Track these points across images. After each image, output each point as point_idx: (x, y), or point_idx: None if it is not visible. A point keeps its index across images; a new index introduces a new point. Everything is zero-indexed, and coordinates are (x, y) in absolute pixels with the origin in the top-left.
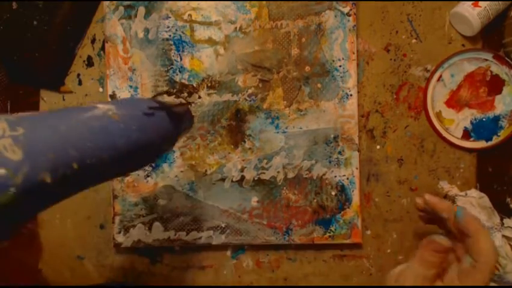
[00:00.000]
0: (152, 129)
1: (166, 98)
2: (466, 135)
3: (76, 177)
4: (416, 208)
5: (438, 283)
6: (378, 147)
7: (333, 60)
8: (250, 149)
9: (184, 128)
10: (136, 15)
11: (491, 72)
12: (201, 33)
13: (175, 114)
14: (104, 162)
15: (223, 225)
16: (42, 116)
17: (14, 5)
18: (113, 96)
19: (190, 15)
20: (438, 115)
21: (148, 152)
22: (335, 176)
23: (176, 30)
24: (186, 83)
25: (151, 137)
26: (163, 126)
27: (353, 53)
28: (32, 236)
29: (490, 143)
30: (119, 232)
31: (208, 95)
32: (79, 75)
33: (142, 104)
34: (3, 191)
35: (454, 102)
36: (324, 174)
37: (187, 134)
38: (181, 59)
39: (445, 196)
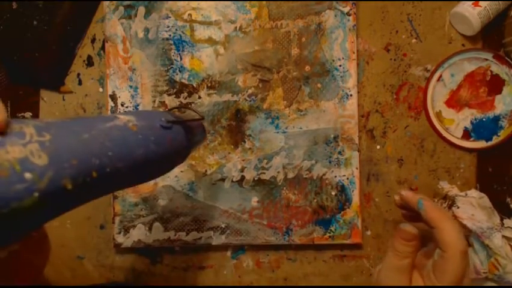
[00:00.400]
0: (168, 142)
1: (166, 98)
2: (466, 135)
3: (94, 184)
4: (396, 206)
5: (415, 274)
6: (378, 147)
7: (333, 60)
8: (250, 149)
9: (196, 142)
10: (136, 15)
11: (491, 72)
12: (201, 33)
13: (190, 129)
14: (121, 172)
15: (223, 226)
16: (67, 122)
17: (14, 5)
18: (113, 96)
19: (190, 15)
20: (438, 115)
21: (162, 163)
22: (335, 176)
23: (176, 30)
24: (186, 82)
25: (167, 149)
26: (178, 140)
27: (353, 53)
28: (42, 237)
29: (490, 143)
30: (119, 232)
31: (208, 95)
32: (78, 75)
33: (160, 116)
34: (28, 195)
35: (454, 102)
36: (324, 174)
37: (199, 147)
38: (181, 59)
39: (445, 196)
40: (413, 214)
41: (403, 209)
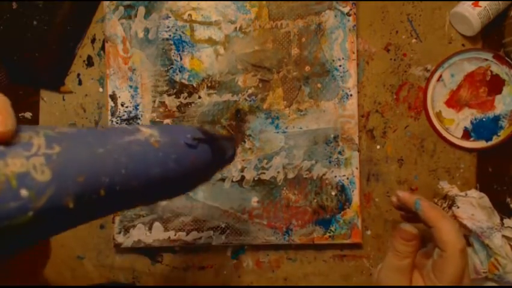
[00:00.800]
0: (190, 161)
1: (166, 98)
2: (466, 135)
3: (99, 203)
4: (394, 207)
5: (415, 274)
6: (378, 147)
7: (333, 60)
8: (250, 149)
9: (224, 162)
10: (136, 15)
11: (491, 72)
12: (201, 33)
13: (220, 148)
14: (132, 191)
15: (223, 226)
16: (83, 133)
17: (14, 5)
18: (113, 96)
19: (190, 15)
20: (438, 115)
21: (180, 184)
22: (335, 176)
23: (176, 30)
24: (186, 83)
25: (188, 169)
26: (202, 160)
27: (353, 53)
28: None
29: (490, 143)
30: (119, 232)
31: (208, 95)
32: (79, 75)
33: (186, 132)
34: (21, 213)
35: (454, 102)
36: (324, 174)
37: (226, 167)
38: (181, 59)
39: (445, 196)
40: (410, 215)
41: (400, 210)
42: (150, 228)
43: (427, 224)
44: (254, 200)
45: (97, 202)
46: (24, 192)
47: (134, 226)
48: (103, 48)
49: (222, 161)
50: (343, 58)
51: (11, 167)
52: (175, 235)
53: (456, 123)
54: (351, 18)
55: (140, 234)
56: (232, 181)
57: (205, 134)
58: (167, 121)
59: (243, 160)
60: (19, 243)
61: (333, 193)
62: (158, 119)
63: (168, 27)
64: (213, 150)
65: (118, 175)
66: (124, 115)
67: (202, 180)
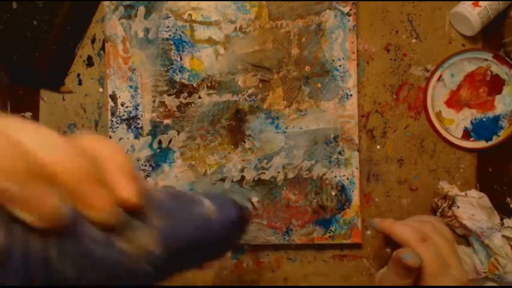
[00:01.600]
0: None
1: (166, 98)
2: (466, 135)
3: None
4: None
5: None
6: (378, 147)
7: (333, 60)
8: (250, 149)
9: (238, 239)
10: (136, 15)
11: (491, 72)
12: (201, 33)
13: (243, 224)
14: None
15: None
16: (175, 203)
17: (14, 5)
18: (113, 96)
19: (190, 15)
20: (438, 115)
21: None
22: (335, 176)
23: (176, 30)
24: (186, 83)
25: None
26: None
27: (353, 53)
28: None
29: (490, 143)
30: None
31: (208, 95)
32: (79, 75)
33: (231, 210)
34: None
35: (454, 102)
36: (324, 174)
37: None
38: (181, 59)
39: (445, 196)
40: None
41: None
42: None
43: (385, 234)
44: (254, 200)
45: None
46: (147, 268)
47: None
48: (103, 48)
49: (237, 237)
50: (343, 58)
51: (143, 242)
52: None
53: (456, 123)
54: (351, 18)
55: None
56: (232, 181)
57: (242, 213)
58: (167, 121)
59: (243, 160)
60: None
61: (333, 193)
62: (158, 119)
63: (168, 27)
64: (235, 225)
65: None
66: (124, 115)
67: (223, 251)
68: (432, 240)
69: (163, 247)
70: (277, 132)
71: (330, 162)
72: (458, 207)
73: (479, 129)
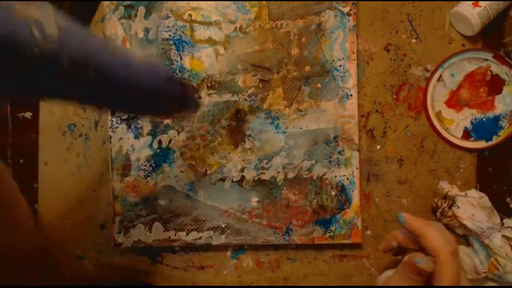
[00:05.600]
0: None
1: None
2: (466, 135)
3: (88, 82)
4: (382, 251)
5: None
6: (378, 147)
7: (333, 60)
8: (250, 149)
9: (187, 107)
10: (136, 15)
11: (491, 72)
12: (201, 33)
13: (188, 94)
14: (116, 83)
15: (223, 226)
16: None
17: None
18: None
19: (190, 15)
20: (438, 115)
21: (152, 98)
22: (335, 176)
23: (176, 30)
24: None
25: (160, 89)
26: (173, 93)
27: (353, 53)
28: (35, 253)
29: (490, 143)
30: (120, 232)
31: (208, 95)
32: None
33: (161, 69)
34: (30, 46)
35: (454, 102)
36: (324, 174)
37: (188, 115)
38: (181, 59)
39: (445, 196)
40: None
41: (389, 251)
42: (150, 228)
43: (414, 234)
44: (254, 200)
45: (87, 80)
46: (36, 33)
47: (134, 226)
48: None
49: (185, 104)
50: (343, 58)
51: (32, 13)
52: (175, 235)
53: (456, 123)
54: (351, 18)
55: (140, 234)
56: (232, 181)
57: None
58: (167, 121)
59: (243, 160)
60: (25, 82)
61: (333, 193)
62: (158, 119)
63: (168, 27)
64: (184, 91)
65: (109, 66)
66: (123, 115)
67: (168, 108)
68: (458, 256)
69: (60, 35)
70: (277, 132)
71: (330, 162)
72: (458, 207)
73: (479, 129)
